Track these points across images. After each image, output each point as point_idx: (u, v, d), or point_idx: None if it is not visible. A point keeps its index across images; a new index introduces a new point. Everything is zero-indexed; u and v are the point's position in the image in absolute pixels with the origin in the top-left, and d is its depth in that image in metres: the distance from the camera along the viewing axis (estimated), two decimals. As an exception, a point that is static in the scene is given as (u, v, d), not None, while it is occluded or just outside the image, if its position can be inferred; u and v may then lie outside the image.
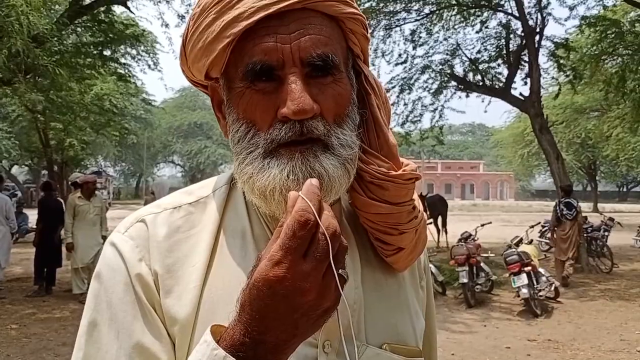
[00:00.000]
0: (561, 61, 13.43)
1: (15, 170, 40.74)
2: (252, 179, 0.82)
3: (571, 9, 13.14)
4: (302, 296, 0.66)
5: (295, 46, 0.79)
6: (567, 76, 13.78)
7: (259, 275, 0.66)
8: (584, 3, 13.22)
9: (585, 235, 12.39)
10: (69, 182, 11.89)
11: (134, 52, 14.25)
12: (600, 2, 13.34)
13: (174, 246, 0.88)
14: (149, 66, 14.38)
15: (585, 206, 31.27)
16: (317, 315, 0.68)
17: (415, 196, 0.96)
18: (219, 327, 0.72)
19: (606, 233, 13.75)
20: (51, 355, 6.33)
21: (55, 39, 9.59)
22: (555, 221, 11.27)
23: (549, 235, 16.06)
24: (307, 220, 0.65)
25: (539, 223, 13.27)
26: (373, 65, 14.25)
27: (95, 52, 11.98)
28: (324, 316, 0.69)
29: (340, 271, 0.68)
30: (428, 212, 14.88)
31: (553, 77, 15.46)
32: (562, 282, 10.27)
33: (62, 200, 10.63)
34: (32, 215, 14.11)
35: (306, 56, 0.79)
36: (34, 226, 11.58)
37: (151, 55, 14.47)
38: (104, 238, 9.10)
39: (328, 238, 0.66)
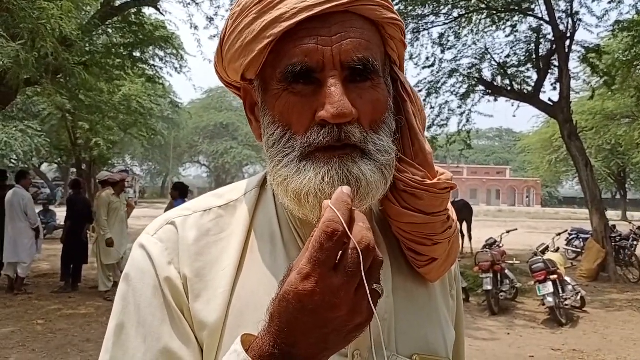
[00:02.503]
0: (595, 63, 13.16)
1: (44, 167, 41.43)
2: (287, 181, 0.80)
3: (599, 18, 12.92)
4: (332, 312, 0.63)
5: (337, 49, 0.78)
6: (601, 77, 13.50)
7: (289, 288, 0.64)
8: (617, 8, 12.88)
9: (613, 244, 12.39)
10: (97, 181, 12.08)
11: (162, 53, 14.40)
12: (635, 7, 13.09)
13: (203, 250, 0.87)
14: (176, 69, 14.51)
15: (613, 214, 30.86)
16: (349, 330, 0.66)
17: (450, 206, 0.93)
18: (248, 336, 0.71)
19: (635, 242, 13.45)
20: (75, 351, 6.41)
21: (86, 40, 9.72)
22: None
23: (576, 243, 15.93)
24: (334, 231, 0.62)
25: (566, 231, 13.05)
26: (401, 68, 14.13)
27: (125, 53, 12.14)
28: (356, 331, 0.67)
29: (374, 286, 0.65)
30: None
31: (585, 81, 15.17)
32: None
33: (89, 199, 10.78)
34: (61, 212, 14.32)
35: (347, 60, 0.78)
36: (62, 223, 11.77)
37: (178, 58, 14.59)
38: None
39: (360, 251, 0.63)
